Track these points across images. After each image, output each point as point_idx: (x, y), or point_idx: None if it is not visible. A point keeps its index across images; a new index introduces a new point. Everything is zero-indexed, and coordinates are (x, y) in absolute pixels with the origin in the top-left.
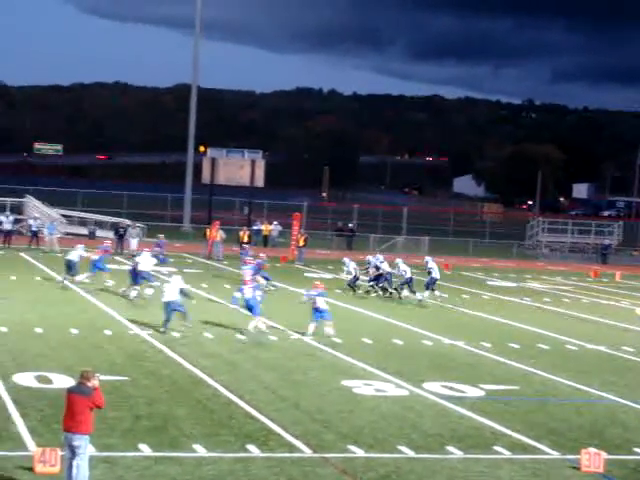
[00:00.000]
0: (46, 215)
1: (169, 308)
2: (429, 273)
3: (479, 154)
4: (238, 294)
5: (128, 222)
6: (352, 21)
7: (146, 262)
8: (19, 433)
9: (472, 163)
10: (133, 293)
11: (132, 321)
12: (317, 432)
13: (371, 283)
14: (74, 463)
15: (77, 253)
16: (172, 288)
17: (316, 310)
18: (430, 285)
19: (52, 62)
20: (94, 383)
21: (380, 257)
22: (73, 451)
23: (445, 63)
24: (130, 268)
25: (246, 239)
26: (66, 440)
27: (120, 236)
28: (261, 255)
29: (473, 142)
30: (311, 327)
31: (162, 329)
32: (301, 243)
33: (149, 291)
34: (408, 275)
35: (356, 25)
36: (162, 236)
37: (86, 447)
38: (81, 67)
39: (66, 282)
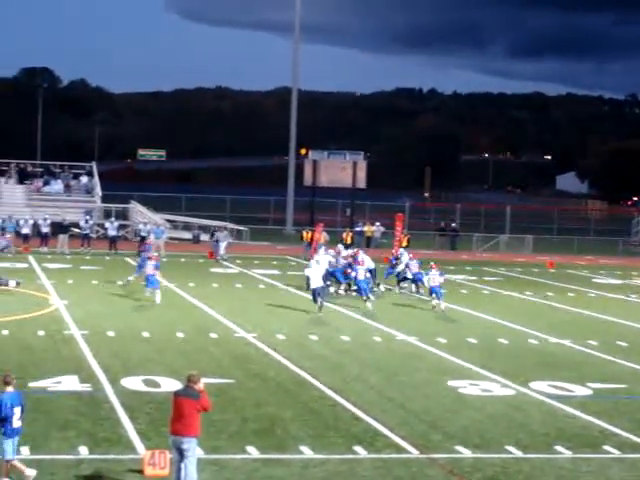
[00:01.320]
0: (151, 220)
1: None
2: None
3: (582, 151)
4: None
5: (221, 225)
6: (451, 20)
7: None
8: (128, 436)
9: (575, 160)
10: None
11: (237, 324)
12: (424, 433)
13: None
14: (182, 465)
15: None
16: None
17: (432, 288)
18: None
19: (154, 68)
20: (199, 386)
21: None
22: (181, 454)
23: (546, 59)
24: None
25: (349, 240)
26: (174, 443)
27: (216, 240)
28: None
29: (576, 139)
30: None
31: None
32: (404, 244)
33: None
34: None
35: (455, 24)
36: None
37: (194, 450)
38: (183, 73)
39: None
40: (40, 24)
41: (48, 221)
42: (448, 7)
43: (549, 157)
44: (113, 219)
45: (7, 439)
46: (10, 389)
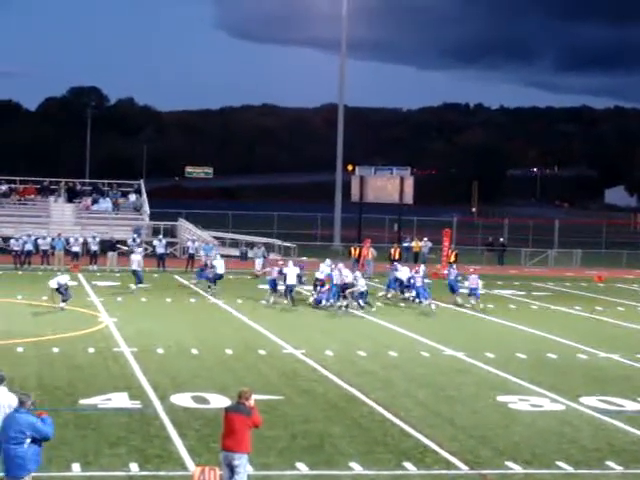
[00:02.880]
0: (200, 238)
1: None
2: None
3: (630, 164)
4: None
5: (257, 241)
6: (498, 35)
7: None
8: (178, 453)
9: (623, 173)
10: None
11: (285, 340)
12: (473, 448)
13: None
14: None
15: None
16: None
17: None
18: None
19: (201, 86)
20: (250, 402)
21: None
22: (232, 470)
23: (594, 73)
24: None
25: (397, 256)
26: (225, 459)
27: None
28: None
29: (624, 152)
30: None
31: None
32: (452, 259)
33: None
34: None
35: (502, 39)
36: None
37: (245, 466)
38: (229, 90)
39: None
40: (88, 44)
41: (97, 239)
42: (495, 22)
43: (597, 171)
44: (161, 237)
45: None
46: None
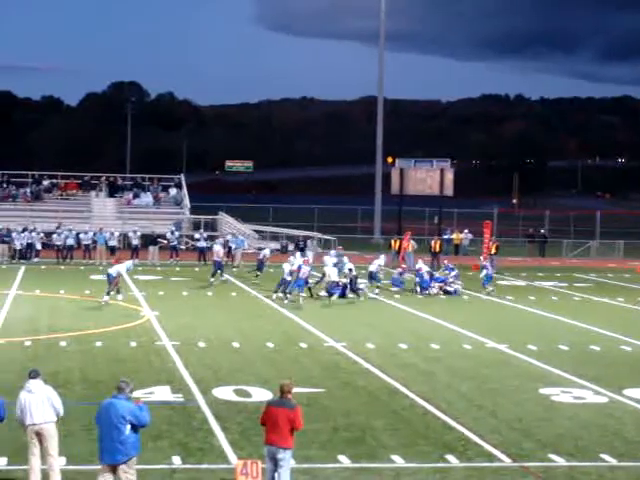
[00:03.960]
0: (240, 231)
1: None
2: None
3: None
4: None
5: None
6: (537, 26)
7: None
8: (221, 446)
9: None
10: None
11: (326, 333)
12: (516, 441)
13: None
14: (276, 475)
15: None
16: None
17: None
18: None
19: (241, 80)
20: (292, 401)
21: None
22: (276, 463)
23: (635, 63)
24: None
25: (437, 248)
26: (269, 453)
27: (301, 249)
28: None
29: None
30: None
31: None
32: (493, 251)
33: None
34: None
35: (542, 29)
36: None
37: (289, 460)
38: (268, 84)
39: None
40: (129, 40)
41: (138, 233)
42: (536, 12)
43: (639, 161)
44: (202, 230)
45: None
46: None
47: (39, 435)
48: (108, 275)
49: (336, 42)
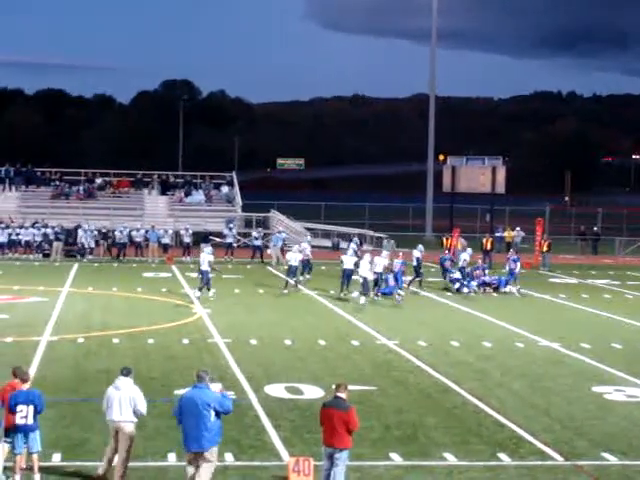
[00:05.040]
0: (291, 229)
1: None
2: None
3: None
4: None
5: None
6: (590, 22)
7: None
8: (273, 443)
9: None
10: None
11: (378, 331)
12: (569, 439)
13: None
14: (332, 473)
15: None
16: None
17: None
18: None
19: (292, 78)
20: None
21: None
22: (332, 462)
23: None
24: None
25: (489, 246)
26: (326, 452)
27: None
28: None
29: None
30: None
31: None
32: (545, 248)
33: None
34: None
35: (595, 26)
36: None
37: (345, 460)
38: (320, 81)
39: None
40: (180, 38)
41: (190, 231)
42: (589, 8)
43: None
44: (260, 229)
45: (13, 434)
46: (26, 386)
47: (117, 431)
48: (201, 272)
49: (388, 39)
